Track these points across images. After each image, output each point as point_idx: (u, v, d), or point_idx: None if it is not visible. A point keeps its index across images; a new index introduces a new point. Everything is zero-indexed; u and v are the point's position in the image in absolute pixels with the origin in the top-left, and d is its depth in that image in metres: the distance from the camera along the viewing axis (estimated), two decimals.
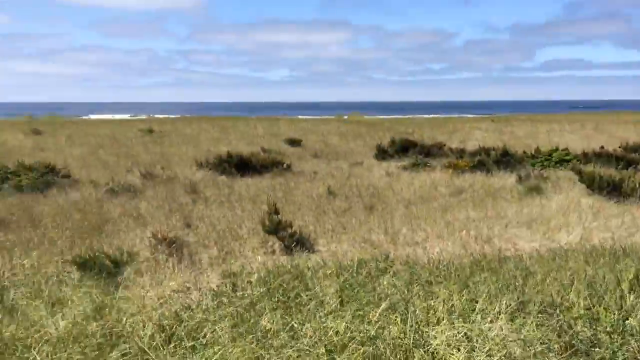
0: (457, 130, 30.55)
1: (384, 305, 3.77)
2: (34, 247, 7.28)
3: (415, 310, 3.73)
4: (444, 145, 19.59)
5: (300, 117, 49.28)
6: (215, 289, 5.11)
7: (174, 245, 7.42)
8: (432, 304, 4.04)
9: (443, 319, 3.61)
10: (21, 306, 5.01)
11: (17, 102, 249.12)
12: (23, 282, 5.84)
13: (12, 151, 18.66)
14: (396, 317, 3.62)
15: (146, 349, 3.56)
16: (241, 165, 14.82)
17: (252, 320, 3.88)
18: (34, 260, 6.58)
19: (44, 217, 9.01)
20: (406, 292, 4.43)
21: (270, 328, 3.72)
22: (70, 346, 3.75)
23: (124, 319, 4.14)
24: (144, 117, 49.80)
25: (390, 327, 3.48)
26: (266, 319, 3.83)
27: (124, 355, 3.60)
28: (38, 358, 3.64)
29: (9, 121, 38.54)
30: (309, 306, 4.08)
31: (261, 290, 4.66)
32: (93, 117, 56.59)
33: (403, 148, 18.31)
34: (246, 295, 4.65)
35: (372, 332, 3.41)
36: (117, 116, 56.76)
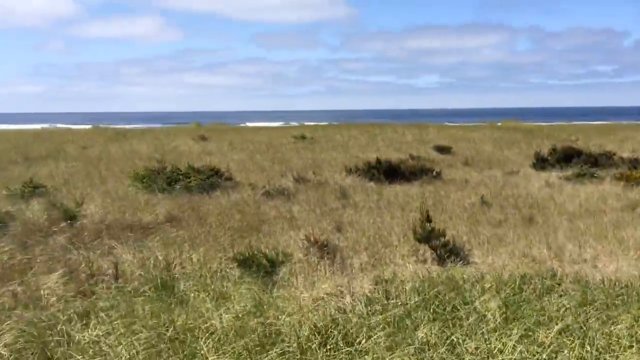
0: (629, 138, 27.54)
1: (557, 327, 3.41)
2: (200, 243, 7.85)
3: (595, 335, 3.32)
4: (614, 154, 17.73)
5: (449, 123, 47.99)
6: (369, 295, 5.06)
7: (325, 248, 7.55)
8: (613, 329, 3.58)
9: (631, 347, 3.16)
10: (190, 298, 5.40)
11: (187, 112, 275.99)
12: (191, 275, 6.29)
13: (183, 155, 20.56)
14: (572, 341, 3.25)
15: (304, 350, 3.60)
16: (389, 172, 14.74)
17: (408, 330, 3.75)
18: (200, 255, 7.08)
19: (209, 216, 9.72)
20: (579, 314, 3.99)
21: (428, 340, 3.56)
22: (234, 340, 3.92)
23: (282, 317, 4.25)
24: (296, 124, 52.06)
25: (565, 351, 3.13)
26: (424, 330, 3.68)
27: (282, 353, 3.68)
28: (205, 349, 3.85)
29: (180, 128, 42.69)
30: (469, 321, 3.84)
31: (416, 299, 4.51)
32: (250, 124, 60.36)
33: (565, 157, 16.89)
34: (400, 303, 4.53)
35: (544, 356, 3.09)
36: (272, 124, 59.97)
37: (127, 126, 53.05)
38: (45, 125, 57.72)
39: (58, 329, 4.38)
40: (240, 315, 4.51)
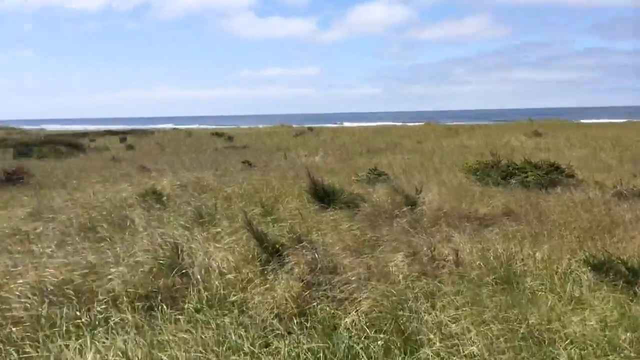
0: None
1: None
2: (543, 241, 7.22)
3: None
4: None
5: None
6: None
7: None
8: None
9: None
10: (537, 297, 4.92)
11: (514, 109, 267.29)
12: (535, 274, 5.79)
13: (515, 150, 19.73)
14: None
15: None
16: None
17: None
18: (544, 253, 6.48)
19: (550, 213, 8.92)
20: None
21: None
22: (602, 354, 3.33)
23: None
24: None
25: None
26: None
27: None
28: (565, 356, 3.37)
29: (508, 124, 41.47)
30: None
31: None
32: (585, 121, 54.70)
33: None
34: None
35: None
36: (614, 120, 53.19)
37: (455, 123, 54.23)
38: (383, 123, 63.65)
39: (407, 305, 4.48)
40: (606, 326, 3.84)
